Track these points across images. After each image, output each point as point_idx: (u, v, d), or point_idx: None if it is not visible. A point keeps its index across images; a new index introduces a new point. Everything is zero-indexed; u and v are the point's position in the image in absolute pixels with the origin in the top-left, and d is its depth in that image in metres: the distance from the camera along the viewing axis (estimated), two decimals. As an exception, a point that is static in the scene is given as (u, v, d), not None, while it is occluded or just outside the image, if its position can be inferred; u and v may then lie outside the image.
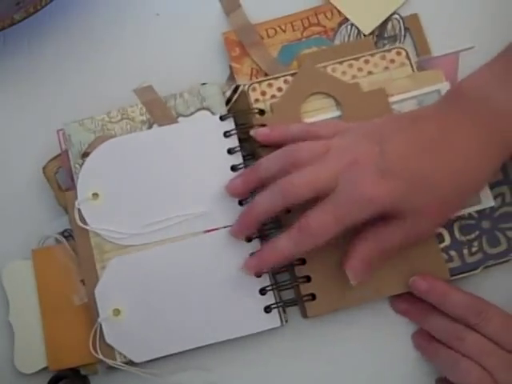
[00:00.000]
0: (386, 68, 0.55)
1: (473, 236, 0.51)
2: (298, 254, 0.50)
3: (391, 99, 0.53)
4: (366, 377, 0.52)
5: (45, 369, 0.52)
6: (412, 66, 0.55)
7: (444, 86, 0.53)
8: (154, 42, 0.59)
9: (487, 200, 0.52)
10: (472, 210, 0.52)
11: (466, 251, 0.51)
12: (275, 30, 0.58)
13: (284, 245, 0.47)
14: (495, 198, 0.52)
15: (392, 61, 0.55)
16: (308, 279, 0.51)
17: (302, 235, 0.46)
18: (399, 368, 0.52)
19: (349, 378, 0.52)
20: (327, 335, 0.52)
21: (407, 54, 0.55)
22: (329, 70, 0.54)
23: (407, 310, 0.51)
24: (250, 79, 0.56)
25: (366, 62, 0.55)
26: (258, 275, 0.50)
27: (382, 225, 0.47)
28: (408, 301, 0.51)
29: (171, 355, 0.51)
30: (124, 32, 0.60)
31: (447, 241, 0.51)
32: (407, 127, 0.48)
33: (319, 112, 0.54)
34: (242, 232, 0.50)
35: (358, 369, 0.52)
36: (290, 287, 0.52)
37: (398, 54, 0.55)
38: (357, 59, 0.55)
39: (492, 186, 0.52)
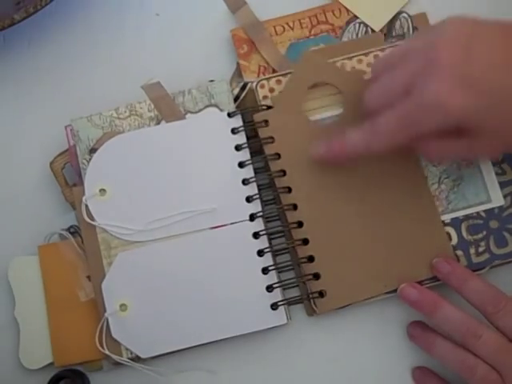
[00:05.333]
0: (396, 63, 0.54)
1: (480, 236, 0.51)
2: (367, 152, 0.47)
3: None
4: (370, 375, 0.52)
5: (50, 365, 0.52)
6: (422, 63, 0.54)
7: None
8: (156, 40, 0.59)
9: (497, 199, 0.52)
10: (481, 209, 0.52)
11: (472, 251, 0.51)
12: (283, 28, 0.58)
13: (355, 138, 0.47)
14: (504, 197, 0.52)
15: (402, 56, 0.54)
16: (316, 276, 0.51)
17: (369, 133, 0.46)
18: (403, 367, 0.52)
19: (353, 375, 0.52)
20: (331, 333, 0.53)
21: (418, 48, 0.55)
22: (338, 65, 0.54)
23: (417, 300, 0.49)
24: (258, 76, 0.56)
25: (376, 57, 0.54)
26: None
27: (448, 136, 0.44)
28: (418, 289, 0.49)
29: (176, 353, 0.51)
30: (125, 31, 0.59)
31: (454, 240, 0.51)
32: (499, 35, 0.43)
33: (322, 110, 0.53)
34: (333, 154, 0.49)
35: (361, 367, 0.52)
36: (298, 284, 0.52)
37: (409, 49, 0.55)
38: (366, 55, 0.54)
39: (502, 186, 0.52)
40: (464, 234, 0.51)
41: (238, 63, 0.57)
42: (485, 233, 0.51)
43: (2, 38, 0.59)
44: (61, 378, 0.51)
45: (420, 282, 0.50)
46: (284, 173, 0.52)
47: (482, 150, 0.46)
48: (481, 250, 0.51)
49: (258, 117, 0.53)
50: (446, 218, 0.51)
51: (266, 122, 0.53)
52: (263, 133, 0.53)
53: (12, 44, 0.59)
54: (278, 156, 0.52)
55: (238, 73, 0.57)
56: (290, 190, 0.52)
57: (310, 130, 0.52)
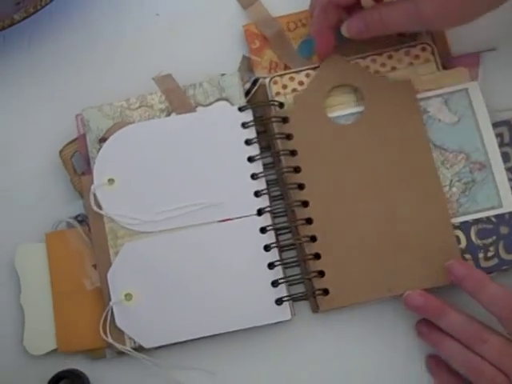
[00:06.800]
0: (411, 64, 0.54)
1: (489, 241, 0.51)
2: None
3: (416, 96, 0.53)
4: (373, 372, 0.52)
5: (54, 351, 0.52)
6: (437, 63, 0.54)
7: (472, 85, 0.53)
8: (169, 34, 0.59)
9: (508, 204, 0.51)
10: (491, 213, 0.51)
11: (481, 255, 0.51)
12: (296, 24, 0.57)
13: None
14: (515, 204, 0.52)
15: (417, 56, 0.54)
16: (321, 274, 0.51)
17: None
18: (407, 363, 0.52)
19: (356, 373, 0.52)
20: (335, 330, 0.53)
21: (433, 49, 0.54)
22: (361, 66, 0.54)
23: (423, 306, 0.49)
24: (269, 72, 0.56)
25: (390, 57, 0.54)
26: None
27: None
28: (424, 296, 0.49)
29: (179, 346, 0.51)
30: (125, 30, 0.59)
31: (463, 244, 0.51)
32: None
33: (341, 107, 0.53)
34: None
35: (365, 364, 0.52)
36: (303, 281, 0.52)
37: (423, 49, 0.54)
38: (380, 54, 0.54)
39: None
40: (473, 238, 0.51)
41: (243, 56, 0.57)
42: (494, 238, 0.51)
43: (2, 38, 0.59)
44: (61, 378, 0.52)
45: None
46: (299, 170, 0.52)
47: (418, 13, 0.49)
48: (490, 254, 0.51)
49: (279, 113, 0.53)
50: (456, 221, 0.51)
51: (286, 118, 0.53)
52: (282, 129, 0.53)
53: (12, 44, 0.59)
54: (294, 153, 0.52)
55: (244, 67, 0.57)
56: (302, 186, 0.52)
57: (331, 129, 0.53)
